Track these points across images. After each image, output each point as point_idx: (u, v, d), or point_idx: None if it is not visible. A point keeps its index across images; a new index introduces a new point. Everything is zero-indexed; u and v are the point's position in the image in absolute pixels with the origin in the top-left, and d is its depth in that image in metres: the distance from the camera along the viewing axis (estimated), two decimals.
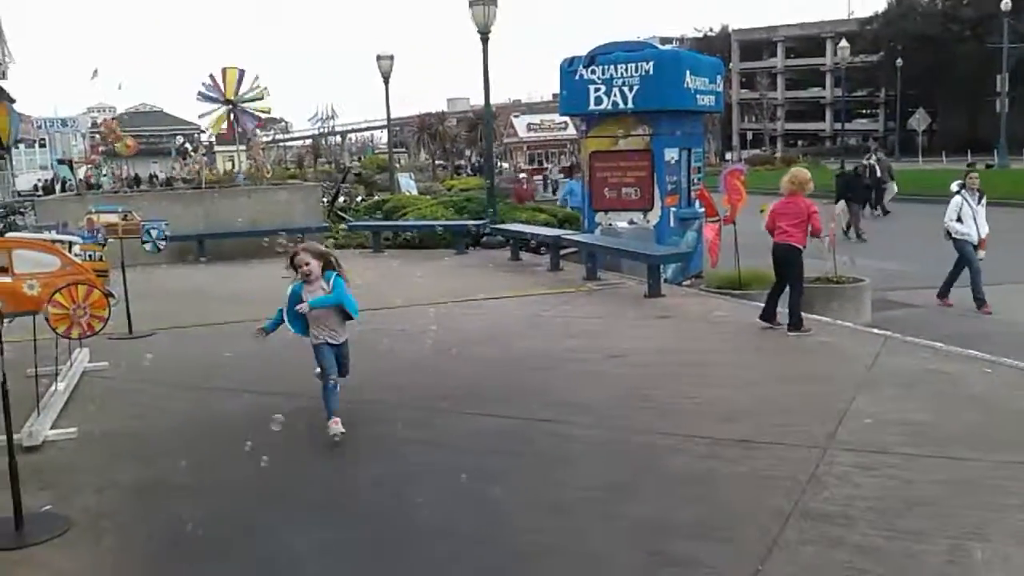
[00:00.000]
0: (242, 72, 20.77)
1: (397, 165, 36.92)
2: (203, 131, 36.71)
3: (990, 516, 4.23)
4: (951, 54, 63.19)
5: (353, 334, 9.27)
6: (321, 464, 5.38)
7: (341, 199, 23.54)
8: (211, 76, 19.89)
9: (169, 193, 21.57)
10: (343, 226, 18.74)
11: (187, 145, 42.69)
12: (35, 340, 6.37)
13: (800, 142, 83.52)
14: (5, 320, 4.64)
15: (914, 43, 65.36)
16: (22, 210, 23.43)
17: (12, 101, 14.02)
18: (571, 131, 53.84)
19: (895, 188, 25.18)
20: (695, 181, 13.59)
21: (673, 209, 12.98)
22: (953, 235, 11.51)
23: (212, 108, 20.45)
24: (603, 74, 13.07)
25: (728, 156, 69.72)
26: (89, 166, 24.06)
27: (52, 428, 6.10)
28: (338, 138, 71.50)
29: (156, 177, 40.79)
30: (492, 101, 18.55)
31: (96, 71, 52.57)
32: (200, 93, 20.06)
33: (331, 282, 5.84)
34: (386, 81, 27.38)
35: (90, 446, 5.87)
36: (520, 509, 4.61)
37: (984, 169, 30.25)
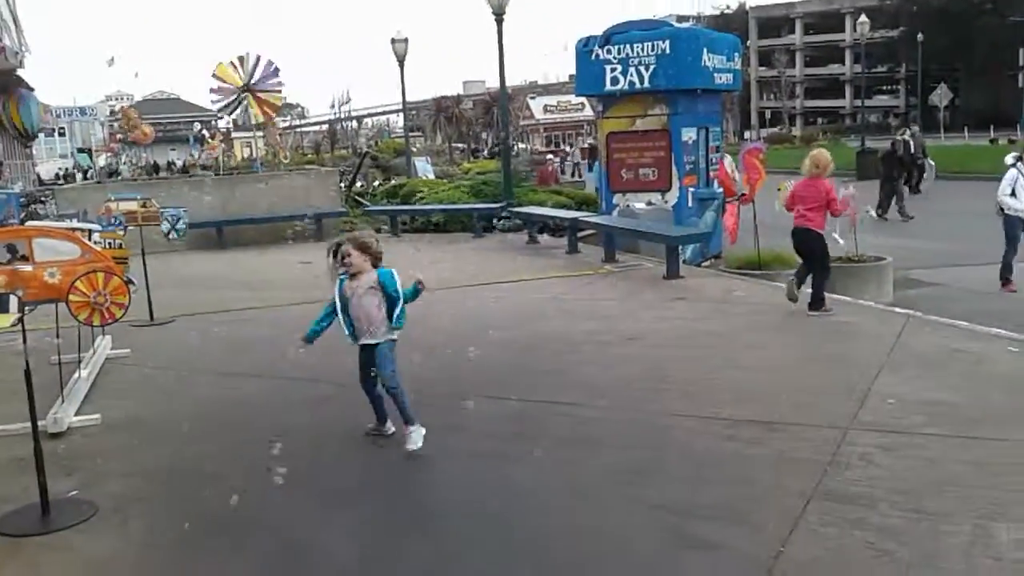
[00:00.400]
0: (257, 58, 20.75)
1: (413, 149, 36.87)
2: (220, 117, 36.83)
3: (1015, 496, 4.19)
4: (973, 28, 62.26)
5: None
6: (342, 448, 5.40)
7: (358, 184, 23.54)
8: (213, 76, 19.94)
9: (187, 180, 21.66)
10: (360, 211, 18.76)
11: (204, 132, 42.87)
12: (58, 328, 6.43)
13: (820, 120, 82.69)
14: (27, 308, 4.66)
15: (935, 17, 64.43)
16: (43, 199, 23.62)
17: (31, 90, 14.09)
18: (588, 112, 53.64)
19: (932, 165, 24.52)
20: (713, 161, 13.50)
21: (691, 189, 12.90)
22: (1006, 211, 10.94)
23: (231, 102, 20.45)
24: (619, 54, 12.98)
25: (746, 135, 69.15)
26: (108, 154, 24.20)
27: (76, 415, 6.16)
28: (354, 123, 71.49)
29: (173, 164, 40.96)
30: (508, 83, 18.49)
31: (113, 59, 52.77)
32: (212, 94, 20.09)
33: (387, 278, 5.32)
34: (401, 64, 27.29)
35: (114, 432, 5.93)
36: (539, 491, 4.61)
37: (1008, 144, 29.83)
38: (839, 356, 7.01)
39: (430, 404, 6.17)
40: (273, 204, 16.96)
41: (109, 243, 7.64)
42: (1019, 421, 5.24)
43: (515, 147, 45.76)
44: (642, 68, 12.75)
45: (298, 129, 74.74)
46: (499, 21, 16.63)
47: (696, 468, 4.82)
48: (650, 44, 12.68)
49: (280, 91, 20.89)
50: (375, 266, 5.33)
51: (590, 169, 23.37)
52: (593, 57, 13.31)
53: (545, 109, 67.22)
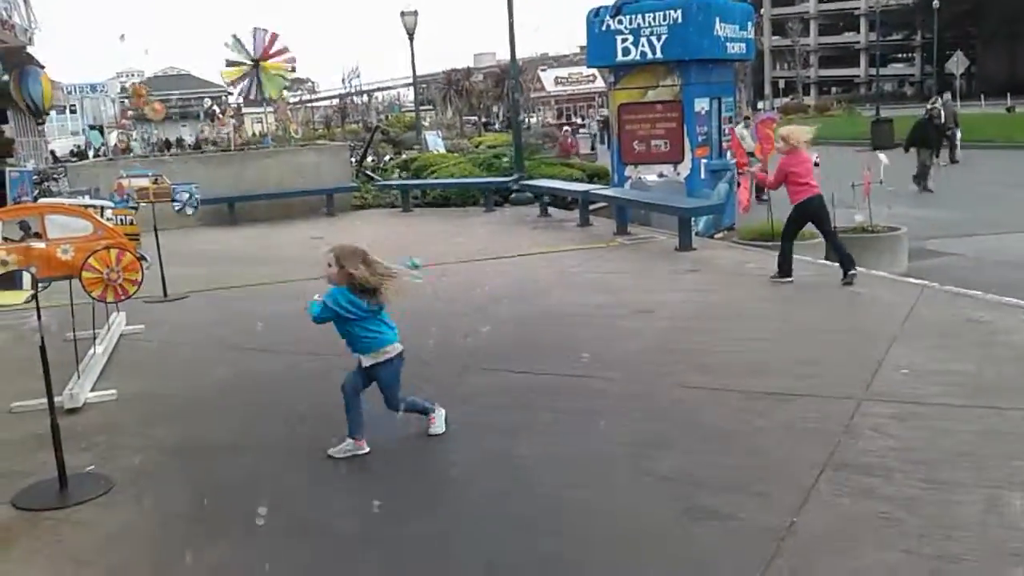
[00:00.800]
0: (275, 36, 20.63)
1: (424, 123, 36.74)
2: (230, 93, 36.72)
3: None
4: None
5: None
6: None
7: (369, 159, 23.49)
8: (254, 30, 19.80)
9: (199, 156, 21.66)
10: (371, 185, 18.74)
11: (215, 108, 42.80)
12: (72, 304, 6.47)
13: (834, 89, 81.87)
14: (41, 285, 4.69)
15: None
16: (56, 176, 23.69)
17: (41, 67, 14.08)
18: (599, 84, 53.29)
19: (959, 135, 24.10)
20: (726, 132, 13.39)
21: (704, 161, 12.81)
22: None
23: (238, 60, 20.31)
24: (630, 24, 12.84)
25: (760, 105, 68.56)
26: (119, 131, 24.21)
27: (92, 390, 6.22)
28: (365, 97, 71.23)
29: (182, 141, 40.96)
30: (518, 55, 18.34)
31: (123, 35, 52.70)
32: (234, 37, 19.88)
33: (326, 294, 4.94)
34: (411, 37, 27.16)
35: (130, 407, 5.98)
36: (550, 464, 4.63)
37: None
38: (852, 327, 6.98)
39: (438, 376, 6.20)
40: (284, 180, 16.96)
41: (121, 220, 7.67)
42: None
43: (527, 120, 45.51)
44: (654, 38, 12.62)
45: (309, 104, 74.51)
46: None
47: (707, 440, 4.82)
48: (662, 14, 12.54)
49: (292, 67, 20.74)
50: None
51: (602, 141, 23.20)
52: (604, 28, 13.18)
53: (556, 81, 66.77)
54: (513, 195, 16.74)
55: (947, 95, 26.32)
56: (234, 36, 19.66)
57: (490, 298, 8.70)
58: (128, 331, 8.01)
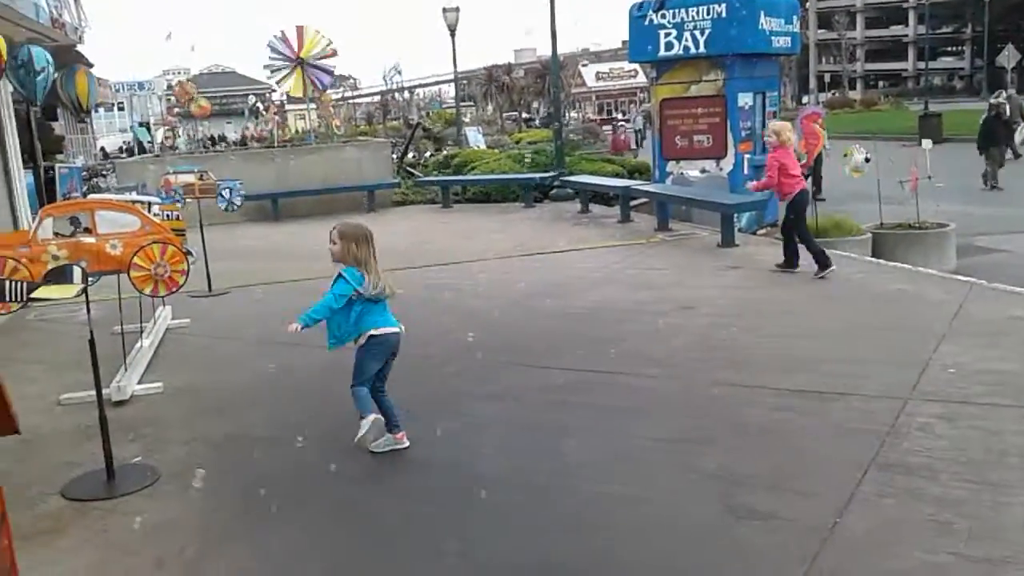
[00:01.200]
0: (299, 28, 20.74)
1: (465, 119, 36.83)
2: (274, 90, 37.13)
3: None
4: None
5: (418, 288, 9.42)
6: None
7: (410, 155, 23.61)
8: (282, 32, 19.91)
9: (243, 153, 21.94)
10: (412, 182, 18.84)
11: (259, 105, 43.33)
12: (120, 298, 6.60)
13: (881, 83, 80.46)
14: (90, 279, 4.79)
15: None
16: (104, 172, 24.17)
17: (90, 66, 14.36)
18: (641, 79, 52.93)
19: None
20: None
21: (747, 156, 12.67)
22: None
23: (283, 67, 20.49)
24: (673, 18, 12.74)
25: (804, 99, 67.61)
26: (166, 128, 24.60)
27: (139, 383, 6.33)
28: (406, 94, 71.59)
29: (224, 138, 41.52)
30: (559, 51, 18.29)
31: (170, 33, 53.56)
32: (270, 46, 20.03)
33: (333, 280, 4.84)
34: (452, 34, 27.23)
35: (175, 400, 6.09)
36: (590, 461, 4.62)
37: None
38: (898, 325, 6.86)
39: (477, 372, 6.22)
40: (327, 176, 17.11)
41: (168, 215, 7.80)
42: None
43: (567, 115, 45.39)
44: (697, 32, 12.51)
45: (350, 101, 75.08)
46: None
47: (749, 438, 4.78)
48: (705, 8, 12.41)
49: (327, 50, 20.77)
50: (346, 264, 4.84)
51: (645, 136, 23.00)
52: (647, 22, 13.09)
53: (597, 76, 66.45)
54: (553, 191, 16.71)
55: (1011, 90, 25.60)
56: (269, 46, 19.83)
57: (530, 294, 8.70)
58: (174, 325, 8.15)
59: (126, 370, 6.38)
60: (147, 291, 6.38)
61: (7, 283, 4.45)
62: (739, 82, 12.58)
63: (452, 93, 49.19)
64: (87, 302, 4.74)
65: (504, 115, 55.09)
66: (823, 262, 8.51)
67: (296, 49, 19.59)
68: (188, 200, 9.38)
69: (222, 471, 4.80)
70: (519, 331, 7.33)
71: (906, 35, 79.86)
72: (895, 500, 3.91)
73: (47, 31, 10.53)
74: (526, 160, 18.71)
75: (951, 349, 5.99)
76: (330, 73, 20.67)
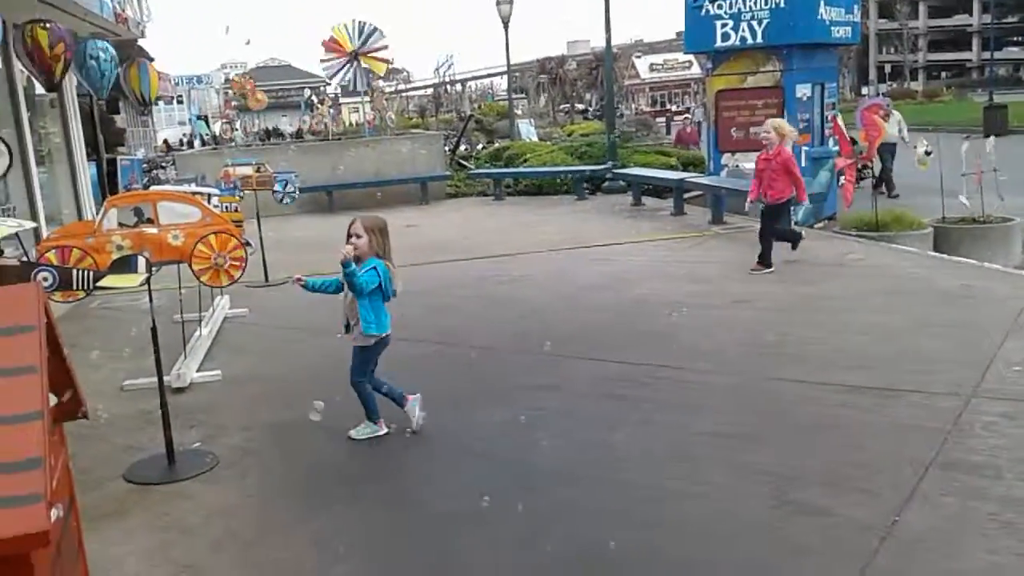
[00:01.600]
0: (362, 24, 20.93)
1: (517, 111, 36.80)
2: (327, 83, 37.51)
3: None
4: None
5: (471, 280, 9.44)
6: (446, 408, 5.49)
7: (462, 147, 23.69)
8: (322, 44, 20.14)
9: (299, 145, 22.22)
10: (464, 174, 18.90)
11: (314, 98, 43.81)
12: (180, 288, 6.74)
13: (943, 74, 78.39)
14: (152, 268, 4.90)
15: None
16: (163, 164, 24.68)
17: (151, 60, 14.67)
18: (696, 70, 52.39)
19: None
20: (828, 118, 12.98)
21: (805, 148, 12.45)
22: None
23: (340, 67, 20.67)
24: (730, 8, 12.57)
25: (864, 91, 66.18)
26: (223, 121, 25.00)
27: (198, 371, 6.47)
28: (458, 86, 71.81)
29: (280, 131, 42.09)
30: (613, 42, 18.17)
31: (228, 27, 54.46)
32: (325, 71, 20.31)
33: (365, 269, 4.77)
34: (506, 26, 27.19)
35: (233, 387, 6.20)
36: (642, 454, 4.60)
37: None
38: (962, 321, 6.69)
39: (530, 365, 6.23)
40: (380, 168, 17.25)
41: (227, 207, 7.94)
42: None
43: (621, 107, 45.09)
44: (755, 23, 12.32)
45: (403, 93, 75.54)
46: None
47: (805, 434, 4.71)
48: None
49: (386, 56, 20.96)
50: (377, 256, 4.82)
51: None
52: (703, 12, 12.93)
53: (651, 68, 65.93)
54: (606, 183, 16.63)
55: None
56: (348, 24, 20.00)
57: (582, 287, 8.68)
58: (232, 314, 8.30)
59: (186, 358, 6.52)
60: (205, 280, 6.51)
61: (75, 272, 4.58)
62: (797, 73, 12.37)
63: (504, 85, 49.20)
64: (149, 291, 4.85)
65: (557, 107, 54.94)
66: (794, 239, 8.93)
67: (342, 46, 19.79)
68: (245, 192, 9.53)
69: (279, 458, 4.89)
70: (571, 324, 7.31)
71: (970, 24, 77.59)
72: (957, 499, 3.83)
73: (111, 25, 10.77)
74: (584, 151, 18.61)
75: (1016, 346, 5.83)
76: (374, 76, 20.85)
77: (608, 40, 17.67)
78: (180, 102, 55.49)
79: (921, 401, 4.99)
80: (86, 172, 11.71)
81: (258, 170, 10.28)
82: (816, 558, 3.47)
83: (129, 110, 25.42)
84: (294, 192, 10.54)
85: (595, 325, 7.23)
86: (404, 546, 3.80)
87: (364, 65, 19.99)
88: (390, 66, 23.08)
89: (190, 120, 43.46)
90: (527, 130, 27.89)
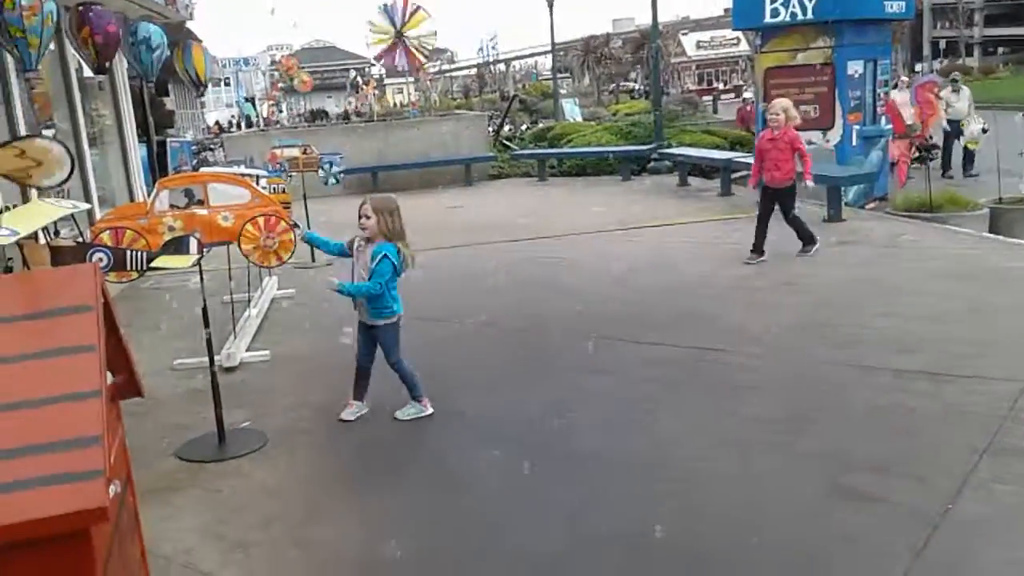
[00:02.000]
0: (416, 8, 20.90)
1: (561, 91, 36.57)
2: (373, 64, 37.63)
3: None
4: None
5: (515, 262, 9.43)
6: (489, 389, 5.51)
7: (506, 128, 23.62)
8: (371, 32, 20.11)
9: (344, 127, 22.35)
10: (508, 155, 18.85)
11: (359, 79, 44.02)
12: (230, 269, 6.83)
13: (1000, 49, 76.07)
14: (204, 249, 4.97)
15: None
16: (212, 146, 25.02)
17: (199, 41, 14.85)
18: (743, 47, 51.50)
19: None
20: (881, 96, 12.68)
21: (856, 127, 12.19)
22: None
23: (382, 33, 20.62)
24: None
25: (918, 68, 64.55)
26: (270, 103, 25.24)
27: (247, 351, 6.56)
28: (502, 66, 71.57)
29: (325, 112, 42.40)
30: (659, 19, 17.93)
31: (273, 8, 54.88)
32: (384, 6, 20.20)
33: (373, 263, 4.86)
34: (550, 5, 27.04)
35: (281, 367, 6.28)
36: (689, 438, 4.56)
37: None
38: (1018, 305, 6.52)
39: (575, 347, 6.21)
40: (425, 149, 17.28)
41: (275, 188, 8.01)
42: None
43: (667, 86, 44.52)
44: None
45: (448, 74, 75.51)
46: None
47: (856, 419, 4.63)
48: None
49: (433, 38, 20.93)
50: (388, 240, 4.92)
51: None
52: None
53: (698, 45, 64.89)
54: (651, 164, 16.47)
55: None
56: (380, 7, 20.02)
57: (628, 268, 8.62)
58: (279, 295, 8.40)
59: (235, 338, 6.61)
60: (256, 260, 6.58)
61: (128, 253, 4.66)
62: (849, 49, 12.09)
63: (548, 65, 48.91)
64: (200, 272, 4.92)
65: (605, 87, 54.47)
66: (760, 248, 8.45)
67: (403, 21, 19.75)
68: (292, 174, 9.61)
69: (326, 437, 4.94)
70: (617, 305, 7.28)
71: None
72: (1012, 487, 3.74)
73: (160, 8, 10.92)
74: (629, 131, 18.42)
75: None
76: (418, 60, 20.78)
77: (654, 17, 17.43)
78: (227, 84, 56.21)
79: (975, 386, 4.88)
80: (137, 154, 11.90)
81: (304, 152, 10.36)
82: (867, 546, 3.42)
83: (179, 92, 25.74)
84: (339, 173, 10.60)
85: (640, 307, 7.18)
86: (450, 527, 3.83)
87: (411, 43, 19.97)
88: (431, 50, 22.96)
89: (237, 102, 43.99)
90: (571, 110, 27.70)
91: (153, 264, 4.68)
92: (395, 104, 33.70)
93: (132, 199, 11.03)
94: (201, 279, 4.92)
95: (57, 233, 5.72)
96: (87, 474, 1.88)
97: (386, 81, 49.61)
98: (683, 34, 65.55)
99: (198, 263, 4.70)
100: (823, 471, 4.04)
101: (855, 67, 12.17)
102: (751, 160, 12.96)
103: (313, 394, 5.64)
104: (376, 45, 20.35)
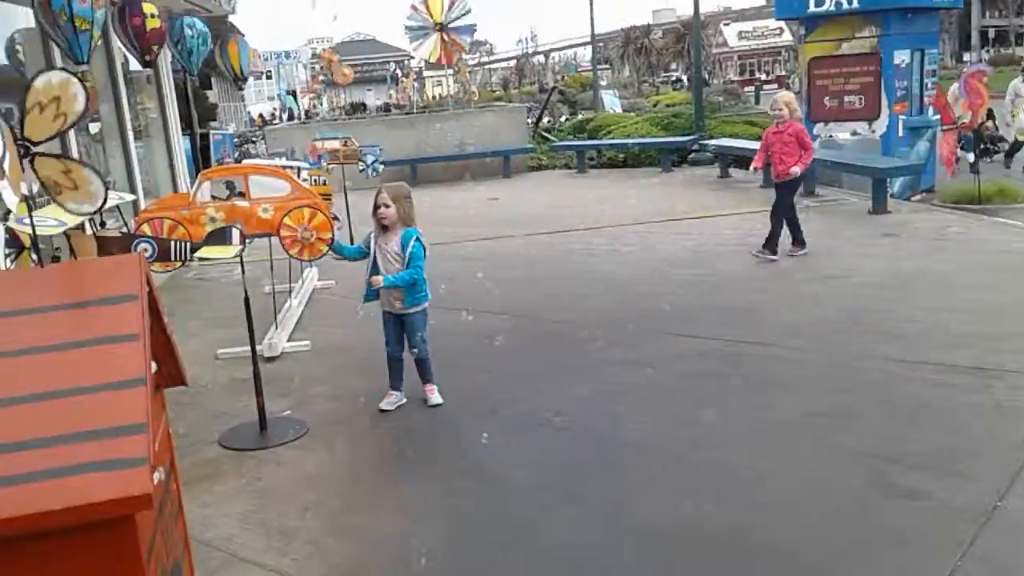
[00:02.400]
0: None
1: (601, 82, 36.36)
2: (412, 57, 37.74)
3: None
4: None
5: (556, 254, 9.40)
6: (528, 381, 5.49)
7: (545, 119, 23.55)
8: (413, 7, 20.04)
9: (384, 119, 22.45)
10: (547, 147, 18.79)
11: (398, 72, 44.18)
12: (271, 260, 6.90)
13: None
14: (247, 240, 5.01)
15: None
16: (253, 139, 25.26)
17: (241, 35, 15.00)
18: (786, 37, 50.83)
19: None
20: (928, 85, 12.41)
21: (902, 117, 11.96)
22: None
23: (422, 36, 20.66)
24: None
25: (966, 57, 63.15)
26: (311, 96, 25.41)
27: (289, 341, 6.63)
28: (541, 58, 71.37)
29: (364, 105, 42.59)
30: (700, 9, 17.75)
31: (315, 2, 55.21)
32: (407, 27, 20.30)
33: (408, 249, 4.92)
34: None
35: (322, 357, 6.34)
36: (729, 431, 4.51)
37: None
38: None
39: (614, 339, 6.18)
40: (463, 141, 17.29)
41: (315, 180, 8.06)
42: None
43: (709, 77, 44.09)
44: None
45: (486, 66, 75.48)
46: None
47: (901, 415, 4.55)
48: None
49: (465, 42, 20.84)
50: (406, 225, 4.99)
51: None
52: None
53: (740, 36, 64.13)
54: (692, 155, 16.32)
55: None
56: (412, 7, 19.99)
57: (667, 261, 8.56)
58: (320, 286, 8.46)
59: (276, 328, 6.68)
60: (295, 254, 6.62)
61: (173, 243, 4.72)
62: (895, 39, 11.85)
63: (588, 56, 48.65)
64: (242, 263, 4.97)
65: (645, 77, 54.05)
66: (774, 248, 8.23)
67: (431, 16, 19.72)
68: (332, 166, 9.66)
69: (366, 426, 4.97)
70: (657, 298, 7.22)
71: None
72: None
73: (203, 2, 11.04)
74: (669, 122, 18.27)
75: None
76: (472, 30, 20.66)
77: (696, 7, 17.26)
78: (269, 77, 56.68)
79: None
80: (181, 146, 12.06)
81: (345, 144, 10.40)
82: (912, 543, 3.36)
83: (221, 85, 26.02)
84: (379, 165, 10.63)
85: (680, 299, 7.12)
86: (488, 517, 3.83)
87: (447, 39, 19.91)
88: (466, 51, 22.87)
89: (279, 95, 44.36)
90: (611, 101, 27.56)
91: (198, 254, 4.74)
92: (434, 96, 33.81)
93: (176, 191, 11.18)
94: (243, 270, 4.97)
95: (103, 224, 5.82)
96: (132, 461, 1.90)
97: (425, 74, 49.76)
98: (725, 24, 64.84)
99: (240, 254, 4.74)
100: (868, 466, 3.97)
101: (902, 57, 11.93)
102: None
103: (352, 384, 5.68)
104: (434, 53, 20.30)
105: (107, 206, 4.03)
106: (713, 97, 25.40)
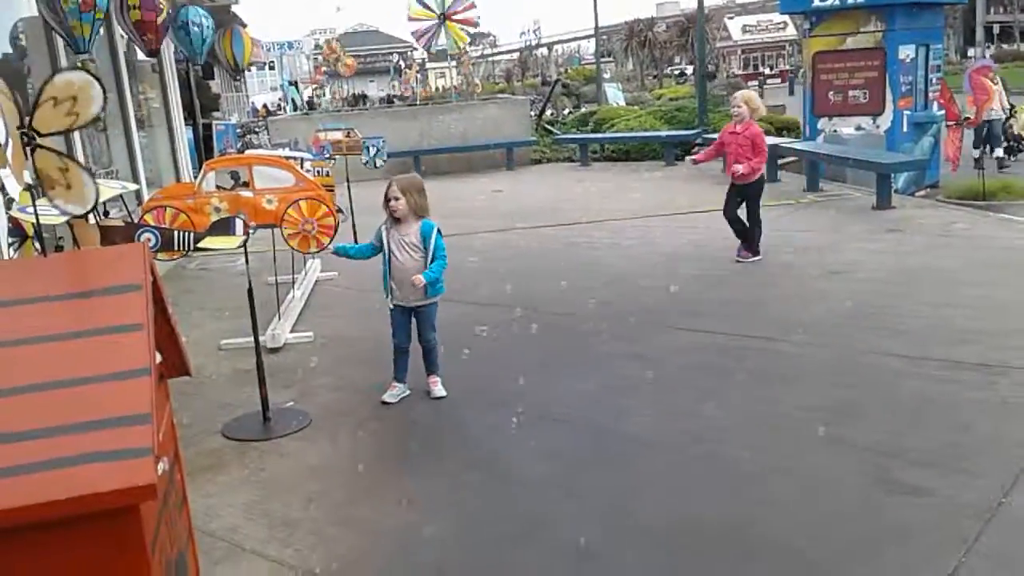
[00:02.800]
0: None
1: (604, 75, 36.26)
2: (415, 48, 37.61)
3: None
4: None
5: (558, 247, 9.39)
6: (531, 374, 5.48)
7: (548, 112, 23.49)
8: (410, 20, 20.02)
9: (387, 111, 22.40)
10: (550, 139, 18.76)
11: (401, 63, 44.06)
12: (274, 251, 6.89)
13: None
14: (250, 231, 5.00)
15: None
16: (256, 129, 25.22)
17: (244, 26, 14.94)
18: (790, 31, 50.73)
19: None
20: (933, 81, 12.38)
21: (907, 113, 11.93)
22: None
23: (433, 34, 20.60)
24: None
25: (971, 53, 62.95)
26: (314, 87, 25.34)
27: (291, 332, 6.62)
28: (544, 50, 71.20)
29: (367, 97, 42.48)
30: (704, 2, 17.68)
31: None
32: (416, 41, 20.27)
33: (432, 239, 4.91)
34: None
35: (325, 349, 6.33)
36: (732, 426, 4.50)
37: None
38: None
39: (617, 333, 6.16)
40: (466, 133, 17.27)
41: (318, 171, 8.05)
42: None
43: (714, 70, 43.94)
44: None
45: (490, 58, 75.30)
46: None
47: (905, 411, 4.54)
48: None
49: (475, 19, 20.82)
50: (420, 217, 4.95)
51: (791, 92, 21.97)
52: None
53: (744, 29, 64.01)
54: (696, 149, 16.27)
55: None
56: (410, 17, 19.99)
57: (670, 254, 8.54)
58: (323, 277, 8.46)
59: (280, 319, 6.67)
60: (296, 246, 6.61)
61: (176, 233, 4.71)
62: (900, 33, 11.83)
63: (591, 49, 48.53)
64: (245, 253, 4.96)
65: (649, 71, 53.93)
66: (755, 248, 7.97)
67: (432, 12, 19.72)
68: (336, 157, 9.64)
69: (369, 417, 4.96)
70: (660, 292, 7.21)
71: None
72: None
73: None
74: (673, 116, 18.22)
75: None
76: (474, 23, 20.66)
77: (700, 1, 17.19)
78: (271, 68, 56.59)
79: None
80: (184, 136, 12.04)
81: (348, 135, 10.38)
82: (916, 540, 3.35)
83: (223, 76, 25.97)
84: (382, 157, 10.61)
85: (684, 293, 7.11)
86: (492, 510, 3.83)
87: (456, 21, 19.90)
88: (476, 30, 22.91)
89: (281, 86, 44.29)
90: (614, 94, 27.48)
91: (202, 244, 4.73)
92: (437, 88, 33.71)
93: (179, 180, 11.17)
94: (246, 260, 4.96)
95: (107, 213, 5.80)
96: (136, 451, 1.89)
97: (428, 65, 49.65)
98: (729, 18, 64.72)
99: (244, 244, 4.73)
100: (872, 462, 3.96)
101: (906, 52, 11.91)
102: (798, 146, 12.80)
103: (355, 375, 5.67)
104: (435, 40, 20.27)
105: (111, 196, 4.02)
106: (717, 91, 25.32)
